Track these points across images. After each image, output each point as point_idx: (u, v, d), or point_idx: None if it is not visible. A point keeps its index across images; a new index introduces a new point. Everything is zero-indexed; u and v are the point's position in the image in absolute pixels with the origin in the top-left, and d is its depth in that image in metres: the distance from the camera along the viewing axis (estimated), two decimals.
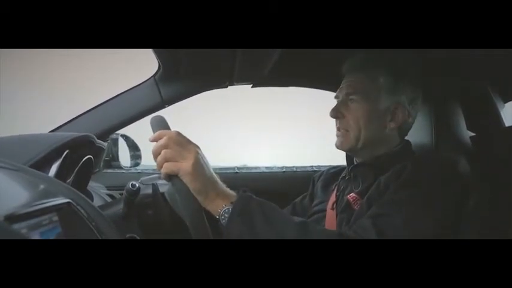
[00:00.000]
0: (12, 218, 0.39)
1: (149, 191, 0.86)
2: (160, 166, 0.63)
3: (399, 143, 0.90)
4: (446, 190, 0.74)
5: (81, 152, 0.90)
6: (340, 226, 0.83)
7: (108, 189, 1.28)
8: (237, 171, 1.51)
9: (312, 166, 1.57)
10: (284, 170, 1.54)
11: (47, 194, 0.52)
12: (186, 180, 0.62)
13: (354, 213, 0.81)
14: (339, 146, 0.90)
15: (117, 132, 1.30)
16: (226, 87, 1.34)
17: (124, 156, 1.41)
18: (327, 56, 1.12)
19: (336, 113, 0.89)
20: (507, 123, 1.09)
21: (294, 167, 1.56)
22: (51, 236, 0.46)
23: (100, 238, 0.53)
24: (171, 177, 0.63)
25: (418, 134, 1.01)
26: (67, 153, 0.79)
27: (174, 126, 0.66)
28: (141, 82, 1.25)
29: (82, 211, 0.54)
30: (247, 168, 1.57)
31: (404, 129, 0.90)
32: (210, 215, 0.64)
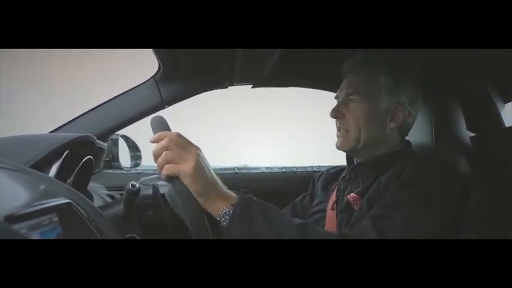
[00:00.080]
0: (12, 218, 0.39)
1: (149, 191, 0.86)
2: (161, 168, 0.63)
3: (399, 143, 0.90)
4: (446, 190, 0.74)
5: (81, 152, 0.90)
6: (340, 226, 0.83)
7: (108, 190, 1.28)
8: (237, 171, 1.51)
9: (312, 166, 1.57)
10: (284, 170, 1.54)
11: (47, 195, 0.52)
12: (187, 182, 0.62)
13: (354, 213, 0.81)
14: (339, 147, 0.90)
15: (117, 132, 1.30)
16: (226, 87, 1.34)
17: (124, 156, 1.41)
18: (327, 56, 1.12)
19: (336, 113, 0.89)
20: (507, 124, 1.09)
21: (294, 167, 1.56)
22: (51, 236, 0.46)
23: (100, 238, 0.53)
24: (171, 179, 0.62)
25: (418, 134, 1.01)
26: (67, 153, 0.79)
27: (174, 127, 0.66)
28: (141, 82, 1.25)
29: (82, 211, 0.54)
30: (247, 168, 1.57)
31: (404, 129, 0.90)
32: (210, 217, 0.64)
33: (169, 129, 0.66)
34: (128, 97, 1.24)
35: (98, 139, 1.03)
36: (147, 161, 1.44)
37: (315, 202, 1.00)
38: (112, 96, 1.24)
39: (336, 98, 0.93)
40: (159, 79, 1.23)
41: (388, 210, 0.71)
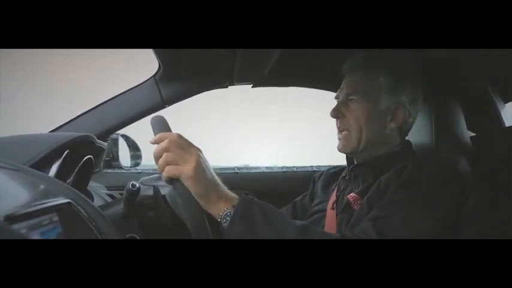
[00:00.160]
0: (12, 218, 0.39)
1: (150, 192, 0.86)
2: (161, 169, 0.63)
3: (399, 143, 0.90)
4: (446, 190, 0.74)
5: (81, 152, 0.90)
6: (340, 226, 0.83)
7: (108, 189, 1.28)
8: (237, 171, 1.51)
9: (312, 166, 1.57)
10: (284, 170, 1.54)
11: (47, 194, 0.52)
12: (188, 183, 0.62)
13: (354, 213, 0.81)
14: (341, 149, 0.90)
15: (117, 132, 1.30)
16: (227, 87, 1.34)
17: (124, 156, 1.41)
18: (327, 56, 1.12)
19: (336, 113, 0.89)
20: (507, 123, 1.09)
21: (294, 167, 1.56)
22: (51, 236, 0.46)
23: (100, 238, 0.53)
24: (172, 180, 0.62)
25: (418, 134, 1.01)
26: (67, 153, 0.79)
27: (174, 126, 0.66)
28: (141, 82, 1.25)
29: (82, 211, 0.54)
30: (248, 168, 1.57)
31: (404, 129, 0.91)
32: (211, 218, 0.64)
33: (169, 129, 0.66)
34: (128, 97, 1.24)
35: (98, 139, 1.03)
36: (147, 160, 1.44)
37: (315, 202, 1.00)
38: (112, 96, 1.24)
39: (336, 98, 0.93)
40: (159, 79, 1.23)
41: (388, 210, 0.71)
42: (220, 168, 1.56)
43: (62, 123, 1.20)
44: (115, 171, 1.42)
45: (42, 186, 0.54)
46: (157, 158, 0.63)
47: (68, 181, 0.82)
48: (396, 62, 0.89)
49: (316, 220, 0.92)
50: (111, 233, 0.57)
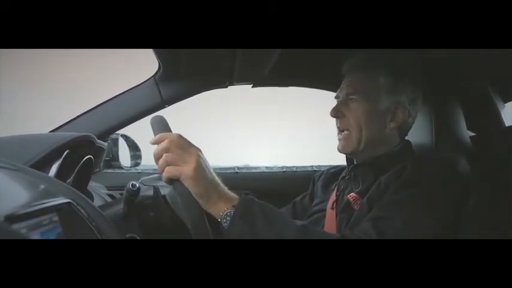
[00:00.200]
0: (12, 218, 0.39)
1: (150, 192, 0.86)
2: (162, 170, 0.63)
3: (399, 143, 0.90)
4: (446, 190, 0.74)
5: (81, 152, 0.90)
6: (340, 226, 0.83)
7: (108, 189, 1.28)
8: (237, 171, 1.51)
9: (312, 166, 1.57)
10: (284, 170, 1.54)
11: (47, 194, 0.52)
12: (188, 184, 0.62)
13: (353, 213, 0.81)
14: (341, 150, 0.90)
15: (117, 132, 1.30)
16: (226, 87, 1.34)
17: (124, 156, 1.41)
18: (327, 56, 1.12)
19: (336, 113, 0.89)
20: (507, 123, 1.09)
21: (294, 167, 1.56)
22: (51, 236, 0.46)
23: (100, 238, 0.53)
24: (172, 181, 0.62)
25: (418, 134, 1.01)
26: (67, 153, 0.79)
27: (174, 126, 0.66)
28: (141, 82, 1.25)
29: (82, 211, 0.54)
30: (248, 168, 1.57)
31: (404, 129, 0.91)
32: (211, 218, 0.64)
33: (169, 129, 0.66)
34: (127, 97, 1.24)
35: (98, 139, 1.03)
36: (147, 160, 1.44)
37: (315, 202, 1.00)
38: (112, 96, 1.24)
39: (336, 97, 0.93)
40: (159, 79, 1.23)
41: (388, 210, 0.71)
42: (220, 168, 1.56)
43: (62, 123, 1.20)
44: (115, 171, 1.42)
45: (42, 186, 0.54)
46: (157, 158, 0.63)
47: (68, 181, 0.82)
48: (396, 62, 0.89)
49: (316, 220, 0.92)
50: (111, 233, 0.57)
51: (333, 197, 0.92)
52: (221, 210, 0.64)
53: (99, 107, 1.23)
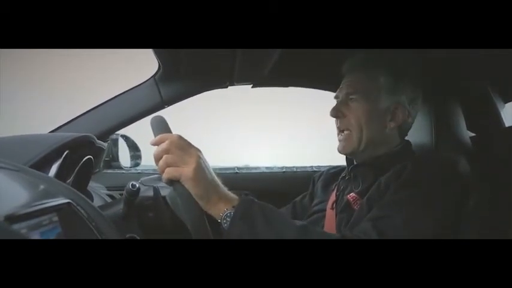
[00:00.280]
0: (12, 218, 0.39)
1: (150, 193, 0.86)
2: (162, 171, 0.63)
3: (399, 143, 0.90)
4: (446, 190, 0.74)
5: (81, 152, 0.90)
6: (340, 226, 0.83)
7: (108, 190, 1.28)
8: (237, 171, 1.51)
9: (312, 166, 1.57)
10: (284, 170, 1.54)
11: (47, 194, 0.52)
12: (188, 185, 0.62)
13: (353, 213, 0.81)
14: (342, 151, 0.90)
15: (117, 132, 1.30)
16: (226, 87, 1.34)
17: (124, 156, 1.41)
18: (327, 56, 1.12)
19: (336, 112, 0.89)
20: (507, 123, 1.09)
21: (294, 167, 1.56)
22: (51, 236, 0.46)
23: (100, 238, 0.53)
24: (172, 182, 0.62)
25: (418, 134, 1.01)
26: (67, 153, 0.79)
27: (174, 127, 0.66)
28: (141, 82, 1.25)
29: (82, 211, 0.54)
30: (248, 168, 1.57)
31: (404, 129, 0.91)
32: (211, 219, 0.64)
33: (169, 130, 0.66)
34: (127, 97, 1.24)
35: (97, 139, 1.03)
36: (147, 160, 1.44)
37: (315, 202, 1.00)
38: (112, 96, 1.24)
39: (336, 97, 0.93)
40: (158, 79, 1.23)
41: (388, 210, 0.71)
42: (220, 169, 1.56)
43: (62, 123, 1.20)
44: (115, 171, 1.42)
45: (42, 187, 0.54)
46: (157, 159, 0.63)
47: (68, 181, 0.82)
48: (396, 62, 0.89)
49: (315, 220, 0.92)
50: (111, 233, 0.56)
51: (333, 197, 0.92)
52: (221, 211, 0.64)
53: (99, 107, 1.23)
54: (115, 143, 1.37)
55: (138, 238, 0.79)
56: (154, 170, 1.37)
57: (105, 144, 1.18)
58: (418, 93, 0.90)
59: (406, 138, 0.93)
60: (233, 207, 0.64)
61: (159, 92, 1.23)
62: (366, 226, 0.69)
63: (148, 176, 0.93)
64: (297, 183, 1.22)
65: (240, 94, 1.52)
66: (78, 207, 0.53)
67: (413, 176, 0.75)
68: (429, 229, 0.69)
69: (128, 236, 0.78)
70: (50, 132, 1.16)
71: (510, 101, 1.20)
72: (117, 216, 0.82)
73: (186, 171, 0.62)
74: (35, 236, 0.43)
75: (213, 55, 1.05)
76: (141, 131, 1.33)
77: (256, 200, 0.67)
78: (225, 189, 0.67)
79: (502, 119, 1.09)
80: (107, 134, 1.25)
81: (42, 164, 0.76)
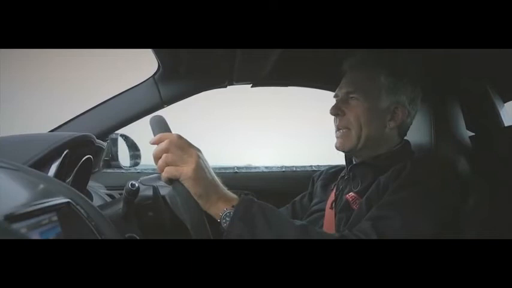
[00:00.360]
0: (12, 218, 0.39)
1: (149, 192, 0.86)
2: (161, 170, 0.63)
3: (399, 142, 0.90)
4: (445, 190, 0.74)
5: (80, 151, 0.90)
6: (339, 225, 0.83)
7: (107, 189, 1.28)
8: (237, 171, 1.51)
9: (311, 166, 1.57)
10: (284, 169, 1.54)
11: (46, 194, 0.52)
12: (187, 184, 0.62)
13: (352, 212, 0.81)
14: (339, 147, 0.90)
15: (116, 132, 1.30)
16: (226, 87, 1.34)
17: (123, 156, 1.41)
18: (327, 56, 1.12)
19: (336, 110, 0.89)
20: (507, 123, 1.09)
21: (293, 166, 1.56)
22: (51, 236, 0.46)
23: (100, 238, 0.53)
24: (172, 181, 0.63)
25: (417, 133, 1.01)
26: (67, 152, 0.79)
27: (173, 126, 0.66)
28: (140, 82, 1.25)
29: (82, 211, 0.54)
30: (247, 168, 1.57)
31: (403, 128, 0.91)
32: (211, 218, 0.64)
33: (169, 129, 0.66)
34: (127, 96, 1.24)
35: (97, 138, 1.03)
36: (147, 160, 1.44)
37: (314, 201, 1.00)
38: (111, 96, 1.24)
39: (335, 96, 0.92)
40: (158, 78, 1.24)
41: (388, 210, 0.71)
42: (220, 168, 1.56)
43: (61, 123, 1.20)
44: (114, 171, 1.42)
45: (41, 186, 0.54)
46: (156, 158, 0.63)
47: (68, 181, 0.82)
48: (396, 61, 0.89)
49: (315, 219, 0.92)
50: (110, 233, 0.56)
51: (332, 196, 0.92)
52: (220, 211, 0.64)
53: (99, 107, 1.23)
54: (114, 142, 1.37)
55: (138, 238, 0.79)
56: (154, 169, 1.37)
57: (104, 144, 1.19)
58: (417, 93, 0.90)
59: (406, 137, 0.93)
60: (233, 206, 0.65)
61: (159, 92, 1.23)
62: (365, 226, 0.69)
63: (147, 175, 0.93)
64: (297, 183, 1.22)
65: (239, 94, 1.52)
66: (78, 207, 0.53)
67: (412, 176, 0.75)
68: (428, 229, 0.69)
69: (127, 235, 0.78)
70: (49, 131, 1.16)
71: (509, 101, 1.20)
72: (116, 215, 0.82)
73: (185, 171, 0.62)
74: (35, 235, 0.43)
75: (213, 55, 1.05)
76: (140, 131, 1.33)
77: (255, 200, 0.67)
78: (224, 188, 0.67)
79: (501, 118, 1.09)
80: (106, 133, 1.25)
81: (42, 164, 0.76)
